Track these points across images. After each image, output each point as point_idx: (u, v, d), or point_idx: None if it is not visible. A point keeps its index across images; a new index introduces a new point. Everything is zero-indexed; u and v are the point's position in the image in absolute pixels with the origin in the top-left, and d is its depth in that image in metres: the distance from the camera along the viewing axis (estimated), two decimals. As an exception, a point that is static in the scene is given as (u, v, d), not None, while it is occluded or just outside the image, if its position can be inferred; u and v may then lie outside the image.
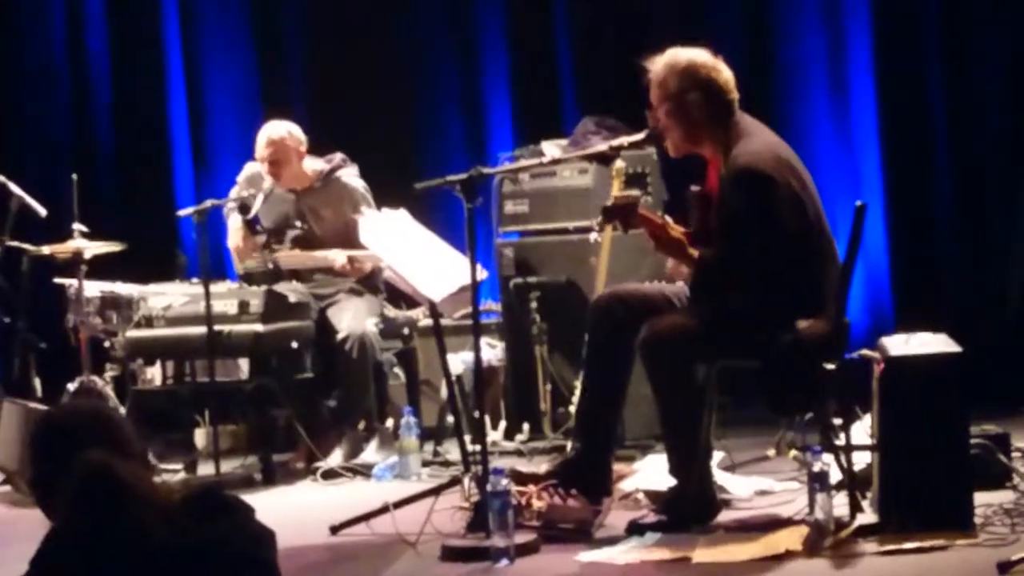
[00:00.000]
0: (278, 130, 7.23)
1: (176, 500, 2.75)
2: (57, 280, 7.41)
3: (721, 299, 5.07)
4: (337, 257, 7.10)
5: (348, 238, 7.02)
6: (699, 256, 5.09)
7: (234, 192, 7.36)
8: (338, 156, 7.40)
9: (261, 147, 7.20)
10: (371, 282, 7.26)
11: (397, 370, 7.53)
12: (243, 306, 6.82)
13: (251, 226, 7.31)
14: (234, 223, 7.35)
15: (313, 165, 7.35)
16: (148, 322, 6.96)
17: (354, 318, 7.00)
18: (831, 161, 8.28)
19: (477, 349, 5.25)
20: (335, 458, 6.82)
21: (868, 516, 4.90)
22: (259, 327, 6.78)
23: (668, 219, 5.23)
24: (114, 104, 9.36)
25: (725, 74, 5.20)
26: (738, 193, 5.04)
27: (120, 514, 2.63)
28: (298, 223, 7.30)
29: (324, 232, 7.28)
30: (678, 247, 5.12)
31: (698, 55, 5.23)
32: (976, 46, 8.15)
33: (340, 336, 6.93)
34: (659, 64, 5.22)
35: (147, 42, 9.35)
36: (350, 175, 7.35)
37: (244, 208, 7.27)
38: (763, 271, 5.00)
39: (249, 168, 7.43)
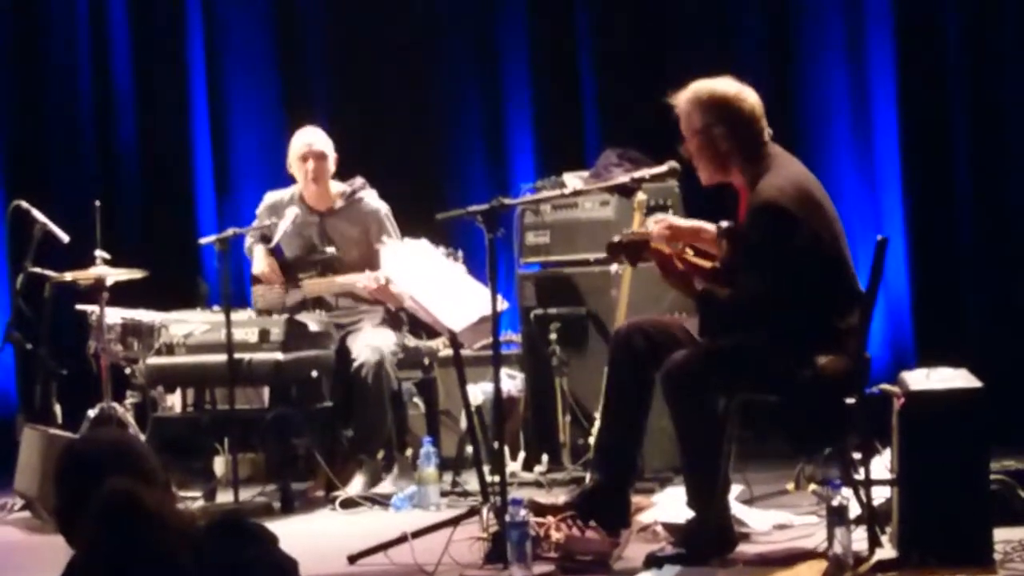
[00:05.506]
0: (320, 134, 7.33)
1: (200, 527, 2.76)
2: (79, 307, 7.41)
3: (739, 333, 5.06)
4: (362, 280, 7.09)
5: (375, 260, 7.04)
6: (701, 291, 5.10)
7: (256, 224, 7.38)
8: (359, 179, 7.43)
9: (309, 145, 7.25)
10: (396, 313, 7.26)
11: (417, 400, 7.53)
12: (264, 334, 6.84)
13: (274, 253, 7.34)
14: (259, 253, 7.36)
15: (336, 187, 7.38)
16: (169, 350, 6.98)
17: (369, 345, 6.99)
18: (853, 195, 8.27)
19: (497, 380, 5.26)
20: (354, 487, 6.82)
21: (887, 551, 4.88)
22: (279, 356, 6.79)
23: (690, 250, 5.23)
24: (137, 131, 9.39)
25: (750, 103, 5.18)
26: (757, 228, 5.04)
27: (145, 541, 2.63)
28: (325, 248, 7.31)
29: (351, 255, 7.27)
30: (685, 281, 5.13)
31: (721, 86, 5.21)
32: (1000, 79, 8.15)
33: (355, 364, 6.93)
34: (683, 99, 5.22)
35: (171, 69, 9.38)
36: (372, 196, 7.39)
37: (266, 239, 7.30)
38: (780, 307, 4.99)
39: (269, 198, 7.46)
